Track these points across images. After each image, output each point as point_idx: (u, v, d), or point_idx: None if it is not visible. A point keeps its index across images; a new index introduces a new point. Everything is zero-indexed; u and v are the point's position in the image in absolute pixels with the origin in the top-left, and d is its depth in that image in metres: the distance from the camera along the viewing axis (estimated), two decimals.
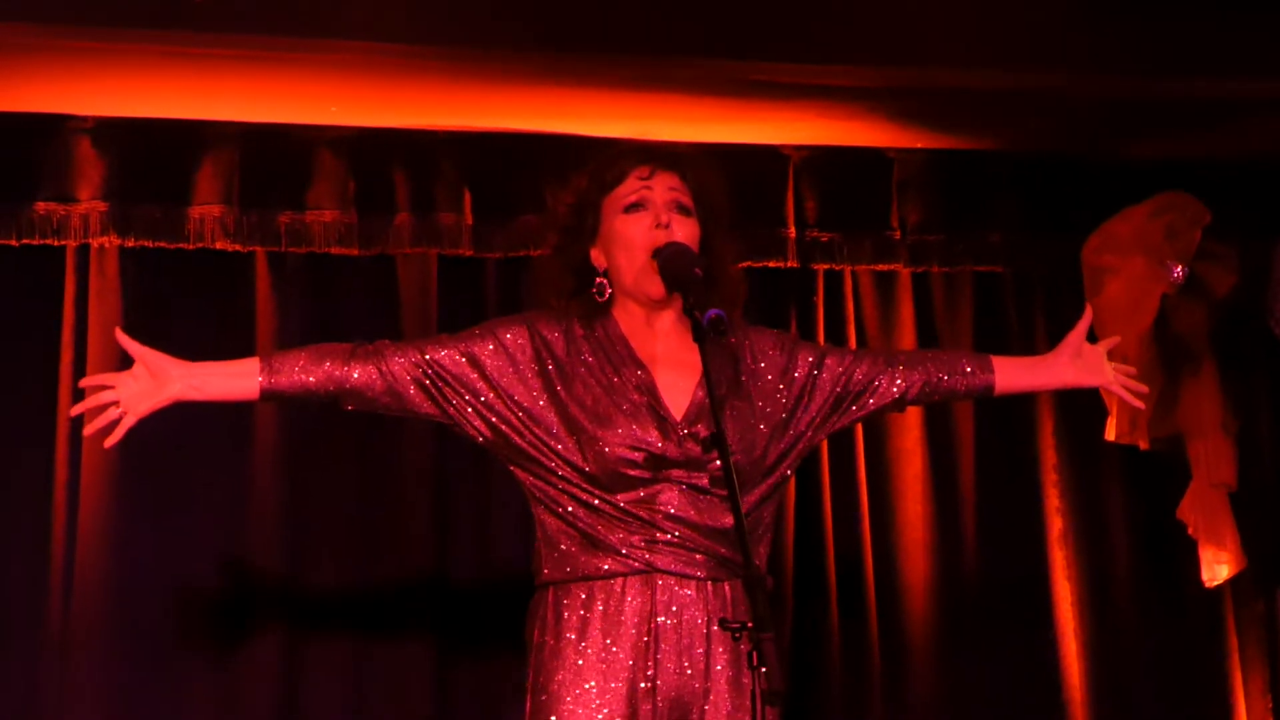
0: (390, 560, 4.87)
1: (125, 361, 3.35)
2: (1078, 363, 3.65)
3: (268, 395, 3.35)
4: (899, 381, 3.51)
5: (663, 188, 3.37)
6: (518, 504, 3.49)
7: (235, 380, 3.36)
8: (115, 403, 3.29)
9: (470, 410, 3.35)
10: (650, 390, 3.31)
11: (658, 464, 3.25)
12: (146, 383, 3.31)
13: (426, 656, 4.82)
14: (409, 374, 3.35)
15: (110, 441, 3.31)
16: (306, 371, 3.33)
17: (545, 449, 3.30)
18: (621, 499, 3.25)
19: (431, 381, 3.34)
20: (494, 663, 4.74)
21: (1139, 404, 3.71)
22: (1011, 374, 3.64)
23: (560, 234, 3.43)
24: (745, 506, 3.24)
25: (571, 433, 3.28)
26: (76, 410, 3.35)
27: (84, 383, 3.38)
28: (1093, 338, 3.69)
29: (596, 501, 3.26)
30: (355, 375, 3.34)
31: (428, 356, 3.35)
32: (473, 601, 4.88)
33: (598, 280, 3.38)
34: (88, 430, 3.35)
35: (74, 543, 4.66)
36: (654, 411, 3.29)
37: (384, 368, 3.34)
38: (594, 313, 3.38)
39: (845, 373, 3.48)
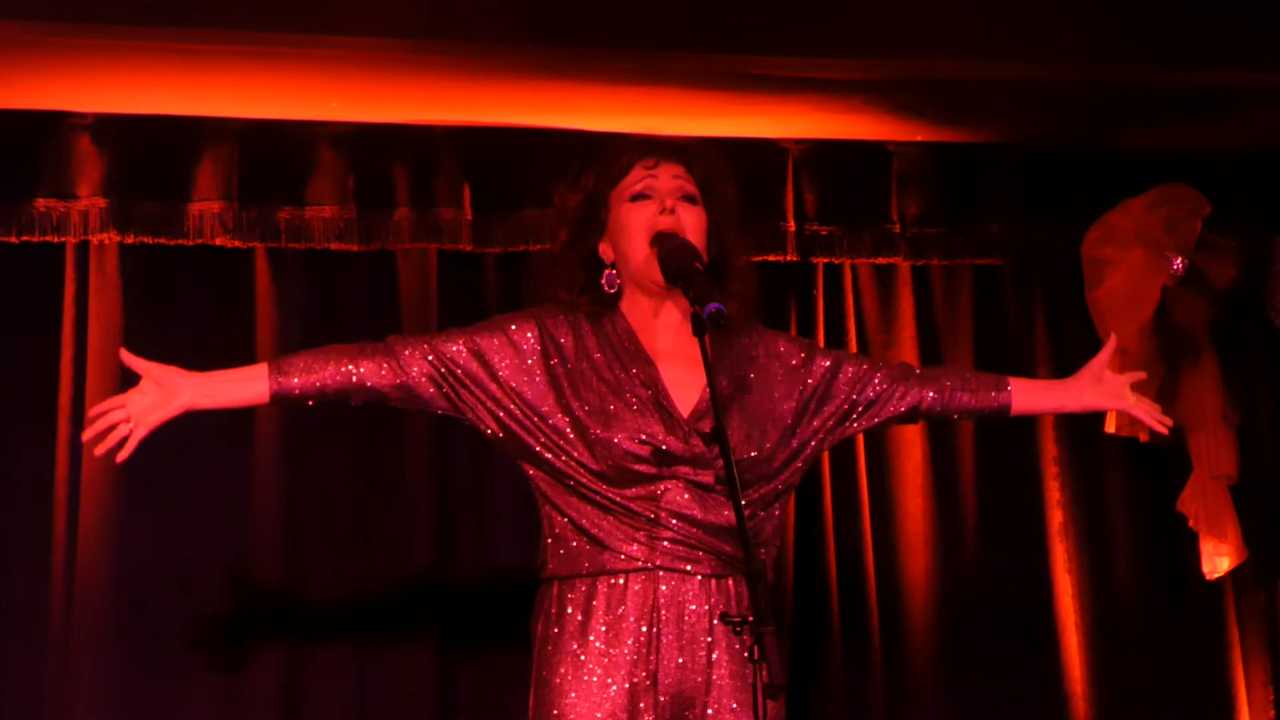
0: (392, 557, 4.87)
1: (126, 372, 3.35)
2: (1098, 388, 3.66)
3: (278, 398, 3.34)
4: (914, 392, 3.53)
5: (667, 176, 3.38)
6: (519, 502, 3.50)
7: (244, 385, 3.35)
8: (125, 420, 3.28)
9: (481, 407, 3.35)
10: (656, 386, 3.31)
11: (663, 459, 3.25)
12: (155, 395, 3.30)
13: (428, 654, 4.81)
14: (421, 370, 3.35)
15: (122, 456, 3.28)
16: (316, 371, 3.33)
17: (555, 447, 3.30)
18: (628, 495, 3.26)
19: (444, 378, 3.35)
20: (496, 660, 4.74)
21: (1163, 430, 3.70)
22: (1029, 395, 3.64)
23: (569, 229, 3.43)
24: (749, 509, 3.24)
25: (579, 432, 3.29)
26: (87, 435, 3.31)
27: (92, 413, 3.33)
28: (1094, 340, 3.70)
29: (601, 498, 3.27)
30: (365, 372, 3.34)
31: (438, 352, 3.35)
32: (474, 600, 4.88)
33: (606, 272, 3.39)
34: (99, 450, 3.30)
35: (75, 539, 4.66)
36: (660, 407, 3.29)
37: (394, 364, 3.35)
38: (602, 308, 3.39)
39: (860, 381, 3.49)
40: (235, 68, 4.51)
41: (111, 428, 3.28)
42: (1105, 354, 3.68)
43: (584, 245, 3.41)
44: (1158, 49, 4.76)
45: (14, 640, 4.64)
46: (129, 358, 3.33)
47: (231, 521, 4.79)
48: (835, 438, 3.50)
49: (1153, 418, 3.67)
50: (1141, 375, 3.78)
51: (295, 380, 3.33)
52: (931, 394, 3.54)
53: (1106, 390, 3.67)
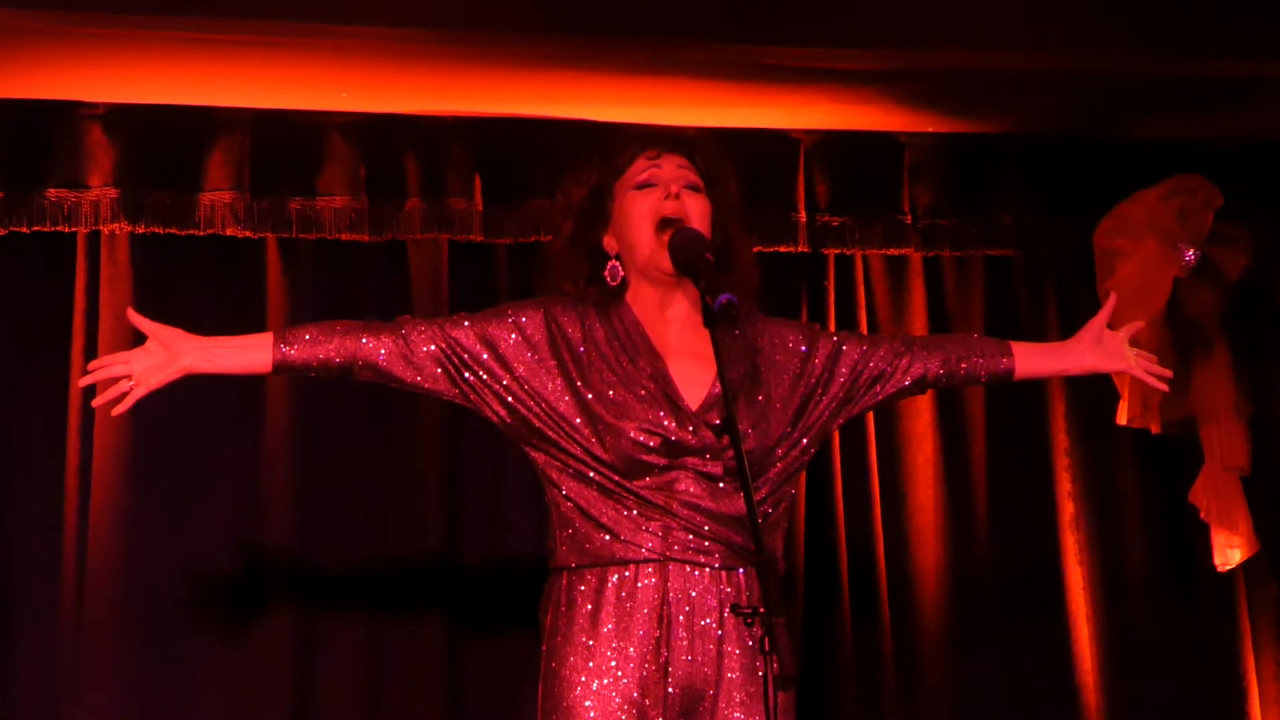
0: (403, 542, 4.88)
1: (138, 344, 3.38)
2: (1099, 348, 3.65)
3: (280, 367, 3.36)
4: (917, 365, 3.52)
5: (671, 166, 3.38)
6: (530, 487, 3.50)
7: (248, 353, 3.37)
8: (127, 376, 3.31)
9: (488, 391, 3.35)
10: (664, 379, 3.31)
11: (673, 450, 3.25)
12: (159, 356, 3.34)
13: (439, 638, 4.82)
14: (428, 350, 3.35)
15: (118, 411, 3.34)
16: (321, 344, 3.35)
17: (563, 434, 3.30)
18: (637, 485, 3.26)
19: (450, 360, 3.35)
20: (506, 645, 4.74)
21: (1163, 387, 3.70)
22: (1031, 359, 3.63)
23: (574, 221, 3.44)
24: (759, 495, 3.24)
25: (588, 421, 3.29)
26: (85, 381, 3.37)
27: (93, 365, 3.39)
28: None
29: (612, 486, 3.27)
30: (370, 347, 3.35)
31: (447, 335, 3.36)
32: (485, 583, 4.89)
33: (610, 264, 3.38)
34: (97, 401, 3.37)
35: (86, 527, 4.67)
36: (669, 400, 3.29)
37: (401, 342, 3.35)
38: (608, 300, 3.39)
39: (862, 359, 3.48)
40: (246, 57, 4.51)
41: (112, 383, 3.31)
42: (1104, 314, 3.67)
43: (588, 238, 3.41)
44: (1171, 38, 4.75)
45: (26, 626, 4.65)
46: (136, 318, 3.37)
47: (242, 507, 4.80)
48: (843, 416, 3.50)
49: (1151, 375, 3.66)
50: (1140, 325, 3.76)
51: (299, 351, 3.34)
52: (936, 364, 3.53)
53: (1107, 350, 3.65)
